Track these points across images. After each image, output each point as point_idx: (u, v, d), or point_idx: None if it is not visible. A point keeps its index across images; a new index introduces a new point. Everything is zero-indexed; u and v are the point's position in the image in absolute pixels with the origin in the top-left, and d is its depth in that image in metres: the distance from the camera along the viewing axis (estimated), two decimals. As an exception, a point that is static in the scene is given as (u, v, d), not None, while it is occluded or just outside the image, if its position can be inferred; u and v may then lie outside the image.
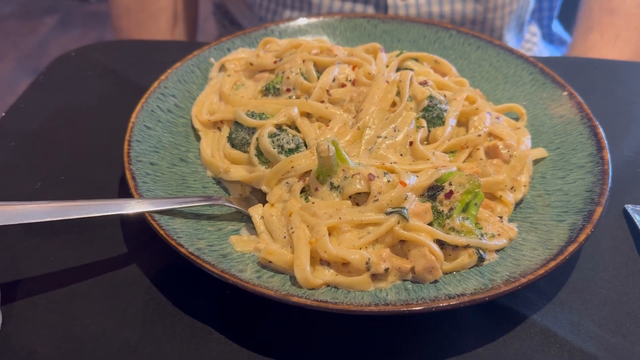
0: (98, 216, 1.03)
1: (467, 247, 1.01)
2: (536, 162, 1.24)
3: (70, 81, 1.61)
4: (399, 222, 1.00)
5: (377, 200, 1.02)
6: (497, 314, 1.02)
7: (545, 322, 1.01)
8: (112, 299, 1.05)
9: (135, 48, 1.72)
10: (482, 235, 1.03)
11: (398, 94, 1.23)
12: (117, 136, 1.29)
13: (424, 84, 1.25)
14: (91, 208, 1.02)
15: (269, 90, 1.31)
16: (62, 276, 1.09)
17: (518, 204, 1.16)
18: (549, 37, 2.28)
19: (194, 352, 0.97)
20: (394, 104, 1.22)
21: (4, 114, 1.49)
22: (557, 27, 2.30)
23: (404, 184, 1.03)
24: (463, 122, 1.25)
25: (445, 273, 1.01)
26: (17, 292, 1.06)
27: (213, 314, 1.02)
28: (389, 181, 1.05)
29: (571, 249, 0.98)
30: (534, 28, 2.18)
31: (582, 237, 1.00)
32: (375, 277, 0.99)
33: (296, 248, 0.99)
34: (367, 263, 0.97)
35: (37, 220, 0.97)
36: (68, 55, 1.70)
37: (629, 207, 1.22)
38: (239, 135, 1.23)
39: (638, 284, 1.09)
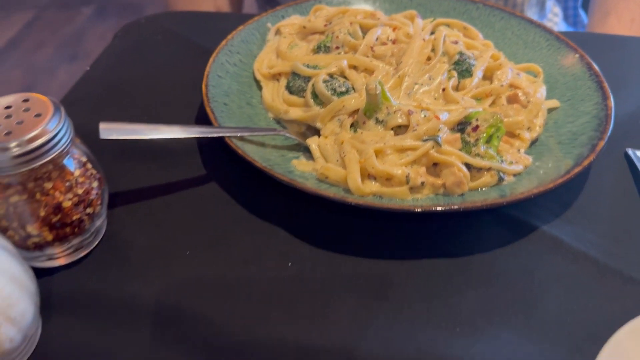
0: (181, 144, 1.28)
1: (489, 169, 1.22)
2: (550, 111, 1.45)
3: (142, 44, 1.85)
4: (433, 147, 1.22)
5: (415, 130, 1.24)
6: (511, 225, 1.23)
7: (554, 233, 1.22)
8: (195, 207, 1.29)
9: (198, 18, 1.96)
10: (502, 161, 1.25)
11: (432, 51, 1.45)
12: (189, 88, 1.53)
13: (455, 43, 1.46)
14: (183, 131, 1.25)
15: (320, 49, 1.54)
16: (154, 191, 1.33)
17: (533, 142, 1.37)
18: (572, 19, 2.47)
19: (265, 246, 1.20)
20: (429, 59, 1.44)
21: (88, 68, 1.74)
22: (580, 14, 2.49)
23: (438, 118, 1.25)
24: (488, 77, 1.46)
25: (470, 190, 1.22)
26: (118, 200, 1.29)
27: (280, 217, 1.25)
28: (425, 116, 1.27)
29: (576, 170, 1.19)
30: (557, 9, 2.38)
31: (586, 162, 1.21)
32: (412, 189, 1.21)
33: (348, 166, 1.22)
34: (407, 177, 1.19)
35: (143, 137, 1.21)
36: (138, 22, 1.94)
37: (630, 151, 1.42)
38: (296, 83, 1.46)
39: (634, 210, 1.29)
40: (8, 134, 1.01)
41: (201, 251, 1.20)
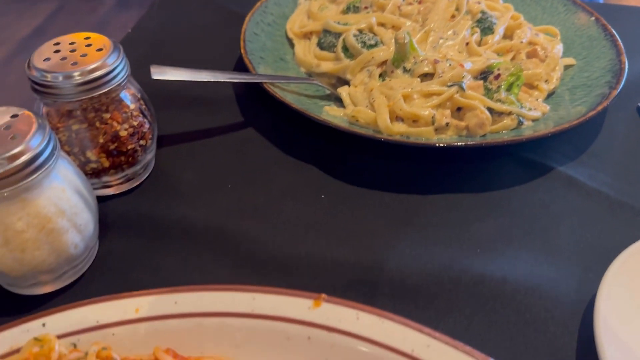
0: (220, 95, 1.41)
1: (509, 114, 1.32)
2: (566, 68, 1.54)
3: (180, 10, 1.96)
4: (457, 92, 1.31)
5: (441, 77, 1.34)
6: (529, 166, 1.32)
7: (569, 173, 1.31)
8: (235, 149, 1.40)
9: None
10: (521, 107, 1.34)
11: (456, 10, 1.54)
12: (226, 49, 1.65)
13: (477, 3, 1.56)
14: (226, 76, 1.36)
15: (349, 9, 1.64)
16: (197, 134, 1.44)
17: (550, 94, 1.46)
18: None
19: (300, 182, 1.30)
20: (453, 17, 1.53)
21: (129, 30, 1.86)
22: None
23: (462, 66, 1.35)
24: (508, 35, 1.55)
25: (491, 133, 1.31)
26: (164, 141, 1.40)
27: (313, 157, 1.35)
28: (450, 65, 1.36)
29: (591, 114, 1.28)
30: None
31: (600, 107, 1.30)
32: (437, 130, 1.30)
33: (377, 108, 1.32)
34: (432, 118, 1.28)
35: (189, 79, 1.32)
36: (174, -10, 2.05)
37: (642, 106, 1.50)
38: (327, 39, 1.56)
39: None
40: (74, 64, 1.12)
41: (241, 186, 1.31)
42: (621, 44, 1.51)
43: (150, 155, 1.30)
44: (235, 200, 1.26)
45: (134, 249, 1.16)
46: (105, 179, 1.24)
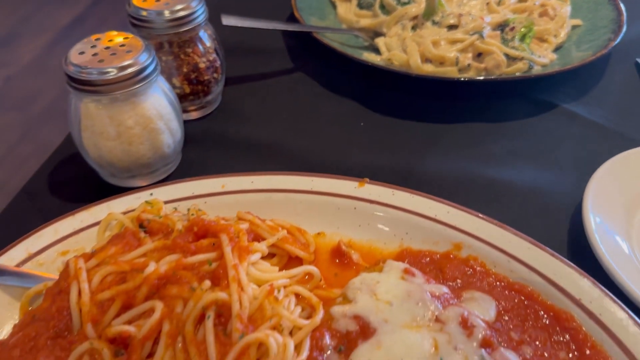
0: (272, 47, 1.70)
1: (522, 59, 1.56)
2: (574, 28, 1.77)
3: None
4: (478, 39, 1.56)
5: (464, 27, 1.58)
6: (537, 103, 1.57)
7: (571, 109, 1.55)
8: (288, 89, 1.66)
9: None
10: (532, 53, 1.58)
11: (478, -24, 1.79)
12: (276, 7, 1.92)
13: (497, -30, 1.80)
14: (283, 25, 1.63)
15: (386, -24, 1.89)
16: (255, 77, 1.71)
17: (558, 48, 1.69)
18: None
19: (342, 113, 1.56)
20: (475, -18, 1.77)
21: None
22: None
23: (482, 19, 1.59)
24: (522, 1, 1.79)
25: (506, 74, 1.56)
26: (228, 82, 1.67)
27: (354, 95, 1.62)
28: (472, 18, 1.61)
29: (591, 58, 1.52)
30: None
31: (599, 54, 1.53)
32: (461, 70, 1.55)
33: (410, 52, 1.57)
34: (456, 59, 1.53)
35: (253, 26, 1.59)
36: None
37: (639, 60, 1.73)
38: (366, 0, 1.81)
39: (636, 102, 1.60)
40: (167, 4, 1.40)
41: (294, 115, 1.57)
42: (622, 7, 1.73)
43: (220, 88, 1.58)
44: (290, 125, 1.53)
45: (210, 159, 1.42)
46: (185, 104, 1.51)
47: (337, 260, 1.13)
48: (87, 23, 6.47)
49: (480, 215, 1.11)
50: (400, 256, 1.10)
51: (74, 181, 1.37)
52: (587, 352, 0.92)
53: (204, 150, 1.45)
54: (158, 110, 1.28)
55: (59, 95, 4.64)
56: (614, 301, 0.96)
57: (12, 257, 1.07)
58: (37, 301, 1.01)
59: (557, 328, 0.96)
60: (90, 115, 1.24)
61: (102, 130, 1.24)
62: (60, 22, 6.16)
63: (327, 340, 0.91)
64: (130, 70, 1.20)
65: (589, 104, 1.58)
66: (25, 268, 1.06)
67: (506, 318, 0.97)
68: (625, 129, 1.49)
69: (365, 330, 0.91)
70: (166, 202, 1.17)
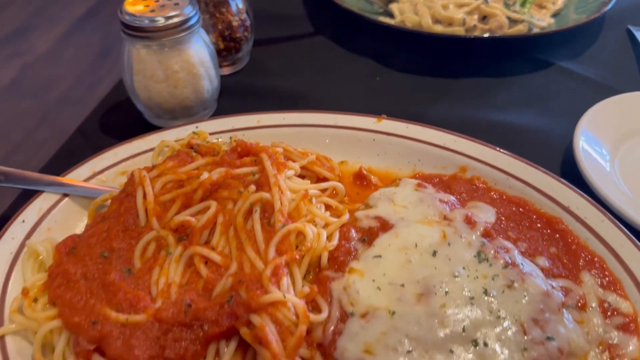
0: (292, 14, 1.86)
1: (522, 21, 1.73)
2: (571, -2, 1.94)
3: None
4: (483, 3, 1.73)
5: (470, -7, 1.76)
6: (536, 62, 1.73)
7: (566, 66, 1.72)
8: (308, 50, 1.84)
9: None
10: (531, 17, 1.75)
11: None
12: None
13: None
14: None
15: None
16: (280, 39, 1.88)
17: (556, 14, 1.86)
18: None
19: (358, 70, 1.73)
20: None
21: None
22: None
23: (486, -13, 1.76)
24: (525, -29, 1.96)
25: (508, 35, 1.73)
26: (255, 43, 1.85)
27: (371, 54, 1.78)
28: (477, -15, 1.78)
29: (585, 20, 1.69)
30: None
31: (592, 16, 1.70)
32: (467, 30, 1.72)
33: (421, 14, 1.74)
34: (463, 20, 1.70)
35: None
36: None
37: (631, 27, 1.90)
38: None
39: (629, 61, 1.77)
40: (204, -32, 1.57)
41: (317, 73, 1.75)
42: (615, -23, 1.90)
43: (249, 46, 1.75)
44: (313, 81, 1.70)
45: (241, 107, 1.58)
46: (218, 60, 1.69)
47: (358, 183, 1.30)
48: (101, 14, 6.61)
49: (483, 142, 1.28)
50: (413, 178, 1.27)
51: (122, 123, 1.55)
52: (574, 247, 1.09)
53: (236, 100, 1.62)
54: (200, 57, 1.45)
55: (74, 84, 4.80)
56: (597, 207, 1.12)
57: (79, 174, 1.25)
58: (101, 211, 1.18)
59: (549, 230, 1.13)
60: (142, 59, 1.41)
61: (152, 74, 1.42)
62: (74, 13, 6.30)
63: (353, 233, 1.09)
64: (176, 19, 1.37)
65: (583, 63, 1.75)
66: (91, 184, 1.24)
67: (504, 222, 1.14)
68: (615, 84, 1.65)
69: (384, 226, 1.08)
70: (209, 134, 1.34)
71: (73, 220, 1.19)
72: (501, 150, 1.26)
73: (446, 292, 0.94)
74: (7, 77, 4.99)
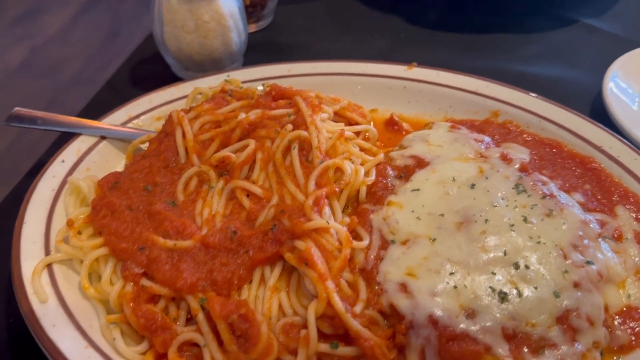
0: None
1: (547, -22, 1.73)
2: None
3: None
4: (507, -40, 1.73)
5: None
6: (560, 19, 1.74)
7: (591, 23, 1.73)
8: (334, 10, 1.84)
9: None
10: (556, -26, 1.75)
11: None
12: None
13: None
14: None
15: None
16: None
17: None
18: None
19: (385, 28, 1.74)
20: None
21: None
22: None
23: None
24: None
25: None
26: (279, 4, 1.85)
27: (395, 10, 1.79)
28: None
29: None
30: None
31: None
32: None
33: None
34: (488, -23, 1.71)
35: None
36: None
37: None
38: None
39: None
40: None
41: (339, 30, 1.76)
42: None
43: (274, 4, 1.76)
44: (337, 37, 1.71)
45: (268, 59, 1.60)
46: (244, 16, 1.70)
47: (389, 129, 1.31)
48: (110, -5, 6.57)
49: (515, 87, 1.29)
50: (445, 123, 1.28)
51: (151, 76, 1.56)
52: (607, 184, 1.10)
53: (262, 55, 1.63)
54: (229, 9, 1.46)
55: (84, 65, 4.80)
56: (629, 146, 1.14)
57: (115, 118, 1.27)
58: (140, 152, 1.20)
59: (582, 169, 1.14)
60: (173, 9, 1.42)
61: (182, 24, 1.43)
62: (83, -5, 6.29)
63: (390, 170, 1.10)
64: (207, -28, 1.38)
65: (607, 20, 1.75)
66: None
67: (538, 161, 1.16)
68: (638, 37, 1.65)
69: (420, 163, 1.10)
70: (241, 83, 1.35)
71: (111, 162, 1.21)
72: (533, 94, 1.27)
73: (486, 220, 0.96)
74: (17, 59, 4.98)
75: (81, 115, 1.42)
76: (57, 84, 4.90)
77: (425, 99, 1.34)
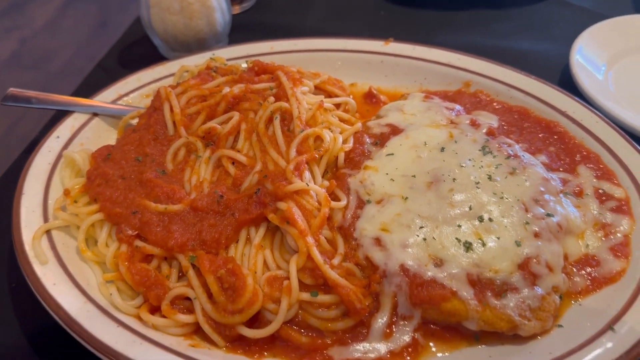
0: None
1: (520, -45, 1.79)
2: None
3: None
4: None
5: None
6: (535, -6, 1.80)
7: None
8: (315, -12, 1.90)
9: None
10: (529, -49, 1.81)
11: None
12: None
13: None
14: None
15: None
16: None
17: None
18: None
19: (365, 5, 1.80)
20: None
21: None
22: None
23: None
24: None
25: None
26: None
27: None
28: None
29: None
30: None
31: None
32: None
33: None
34: (463, -45, 1.77)
35: None
36: None
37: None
38: None
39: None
40: None
41: (321, 9, 1.82)
42: None
43: (257, -15, 1.81)
44: (320, 16, 1.78)
45: (252, 39, 1.66)
46: (228, -2, 1.76)
47: (368, 101, 1.38)
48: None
49: (485, 58, 1.36)
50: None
51: (139, 58, 1.62)
52: (570, 145, 1.18)
53: (247, 36, 1.69)
54: (213, -10, 1.52)
55: (73, 55, 4.83)
56: (591, 110, 1.21)
57: (106, 96, 1.33)
58: (130, 127, 1.26)
59: (547, 133, 1.22)
60: (158, -8, 1.48)
61: (168, 6, 1.49)
62: (73, -16, 6.26)
63: (366, 138, 1.17)
64: (191, -48, 1.44)
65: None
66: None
67: (506, 127, 1.23)
68: (610, 12, 1.72)
69: (395, 130, 1.17)
70: (226, 60, 1.41)
71: (104, 137, 1.27)
72: (503, 64, 1.34)
73: (454, 179, 1.03)
74: (7, 51, 4.98)
75: (74, 95, 1.49)
76: (48, 74, 4.93)
77: (401, 72, 1.41)
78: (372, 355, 0.90)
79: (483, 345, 0.92)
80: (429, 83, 1.38)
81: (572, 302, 0.97)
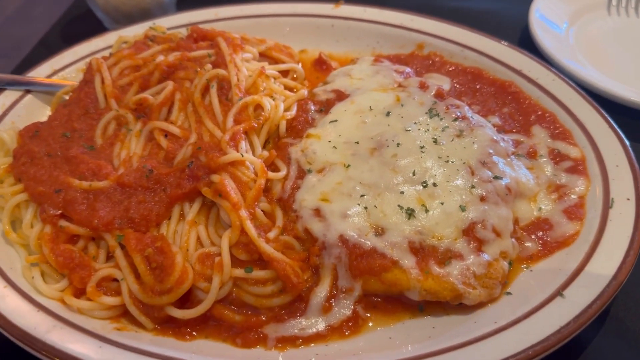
0: None
1: None
2: None
3: None
4: None
5: None
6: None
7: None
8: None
9: None
10: None
11: None
12: None
13: None
14: None
15: None
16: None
17: None
18: None
19: None
20: None
21: None
22: None
23: None
24: None
25: None
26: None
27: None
28: None
29: None
30: None
31: None
32: None
33: None
34: None
35: None
36: None
37: None
38: None
39: None
40: None
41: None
42: None
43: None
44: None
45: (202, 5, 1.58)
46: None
47: (318, 68, 1.32)
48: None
49: (438, 18, 1.29)
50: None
51: (83, 33, 1.52)
52: (525, 105, 1.12)
53: (196, 7, 1.61)
54: (155, -43, 1.44)
55: (43, 43, 4.69)
56: (547, 67, 1.15)
57: (40, 73, 1.25)
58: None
59: (502, 94, 1.16)
60: (96, -40, 1.40)
61: (106, -26, 1.41)
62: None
63: (311, 106, 1.11)
64: None
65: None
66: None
67: (459, 88, 1.17)
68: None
69: (341, 96, 1.11)
70: (167, 29, 1.34)
71: (36, 115, 1.20)
72: (456, 24, 1.28)
73: (398, 144, 0.97)
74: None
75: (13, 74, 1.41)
76: (18, 62, 4.79)
77: (353, 37, 1.34)
78: (310, 331, 0.85)
79: (427, 317, 0.87)
80: (381, 47, 1.32)
81: (523, 267, 0.92)
